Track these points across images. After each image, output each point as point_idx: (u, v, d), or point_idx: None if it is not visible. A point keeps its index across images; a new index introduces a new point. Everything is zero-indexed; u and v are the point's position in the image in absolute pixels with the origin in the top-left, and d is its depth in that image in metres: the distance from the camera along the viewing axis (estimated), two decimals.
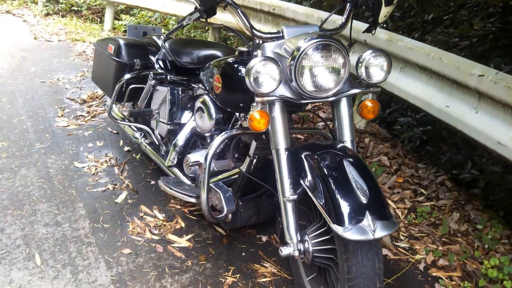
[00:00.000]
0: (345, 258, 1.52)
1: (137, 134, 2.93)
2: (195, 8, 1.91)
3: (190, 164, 2.26)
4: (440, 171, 3.08)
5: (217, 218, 2.06)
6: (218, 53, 2.53)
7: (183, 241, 2.39)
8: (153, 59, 2.81)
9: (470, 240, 2.42)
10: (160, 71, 2.71)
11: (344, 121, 1.87)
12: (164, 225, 2.52)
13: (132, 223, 2.52)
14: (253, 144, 2.05)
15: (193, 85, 2.55)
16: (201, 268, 2.20)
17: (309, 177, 1.71)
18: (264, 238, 2.44)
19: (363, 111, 1.85)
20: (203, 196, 1.99)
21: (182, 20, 2.00)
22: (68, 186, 2.86)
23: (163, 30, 3.62)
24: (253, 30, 1.81)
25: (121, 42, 2.76)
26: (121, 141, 3.51)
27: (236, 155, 2.29)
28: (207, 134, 2.30)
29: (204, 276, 2.15)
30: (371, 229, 1.45)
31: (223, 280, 2.13)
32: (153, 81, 2.67)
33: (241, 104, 1.99)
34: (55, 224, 2.48)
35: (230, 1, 1.82)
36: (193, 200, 2.11)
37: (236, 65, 1.98)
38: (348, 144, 1.86)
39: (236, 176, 2.20)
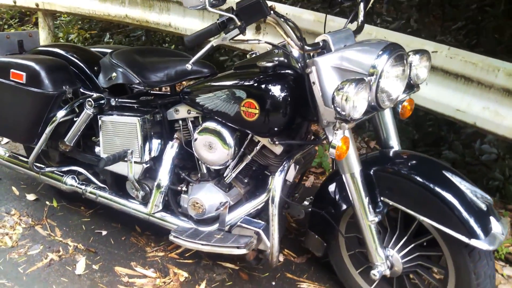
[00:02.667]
0: (472, 266, 1.54)
1: (69, 180, 2.24)
2: (227, 22, 1.52)
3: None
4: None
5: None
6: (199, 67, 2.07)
7: None
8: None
9: None
10: (96, 95, 2.09)
11: (390, 127, 1.83)
12: (164, 282, 2.06)
13: None
14: (292, 168, 1.82)
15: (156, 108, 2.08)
16: None
17: (398, 192, 1.65)
18: (280, 258, 2.25)
19: (404, 112, 1.84)
20: (276, 246, 1.70)
21: (205, 36, 1.56)
22: None
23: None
24: (305, 45, 1.56)
25: (36, 64, 1.98)
26: (14, 188, 2.63)
27: (246, 180, 2.00)
28: (219, 167, 1.92)
29: None
30: (500, 233, 1.51)
31: None
32: (92, 110, 2.05)
33: (276, 129, 1.72)
34: None
35: (276, 12, 1.51)
36: (244, 251, 1.76)
37: (274, 85, 1.68)
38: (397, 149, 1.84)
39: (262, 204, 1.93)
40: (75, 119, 2.13)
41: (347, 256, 1.97)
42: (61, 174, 2.27)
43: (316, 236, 1.96)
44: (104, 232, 2.34)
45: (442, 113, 2.54)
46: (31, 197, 2.57)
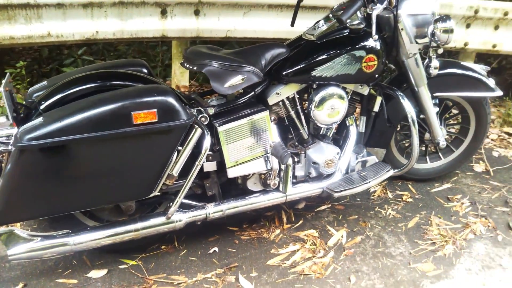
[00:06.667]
0: (487, 108, 2.59)
1: (181, 215, 1.99)
2: None
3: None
4: None
5: None
6: (277, 48, 2.06)
7: None
8: None
9: None
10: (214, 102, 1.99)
11: None
12: (312, 243, 2.24)
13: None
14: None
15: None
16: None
17: (442, 86, 2.47)
18: None
19: None
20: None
21: (356, 10, 1.87)
22: None
23: None
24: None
25: (162, 96, 1.65)
26: (63, 281, 1.97)
27: None
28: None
29: None
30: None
31: None
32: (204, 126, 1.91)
33: (381, 72, 2.20)
34: None
35: None
36: (392, 171, 2.29)
37: (375, 39, 2.10)
38: None
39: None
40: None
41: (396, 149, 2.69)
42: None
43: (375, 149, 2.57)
44: (216, 249, 2.21)
45: None
46: (96, 273, 2.01)
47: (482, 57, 4.19)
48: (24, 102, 1.96)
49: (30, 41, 2.83)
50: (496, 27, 3.67)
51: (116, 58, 4.28)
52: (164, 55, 4.11)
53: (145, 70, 2.11)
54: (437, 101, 2.48)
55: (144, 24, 3.05)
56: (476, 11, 3.52)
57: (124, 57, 4.25)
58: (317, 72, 2.07)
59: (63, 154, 1.57)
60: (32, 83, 3.74)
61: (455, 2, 3.47)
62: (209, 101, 2.13)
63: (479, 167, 3.10)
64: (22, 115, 1.82)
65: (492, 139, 3.54)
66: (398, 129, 2.66)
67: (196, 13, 3.13)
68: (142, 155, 1.70)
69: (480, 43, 3.71)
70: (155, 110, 1.64)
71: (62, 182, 1.62)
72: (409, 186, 2.81)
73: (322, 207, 2.55)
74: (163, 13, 3.07)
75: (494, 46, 3.73)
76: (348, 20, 2.05)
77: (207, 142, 1.83)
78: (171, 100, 1.68)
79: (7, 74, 1.85)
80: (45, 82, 2.04)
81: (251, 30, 3.27)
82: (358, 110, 2.43)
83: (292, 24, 2.39)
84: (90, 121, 1.57)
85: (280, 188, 2.16)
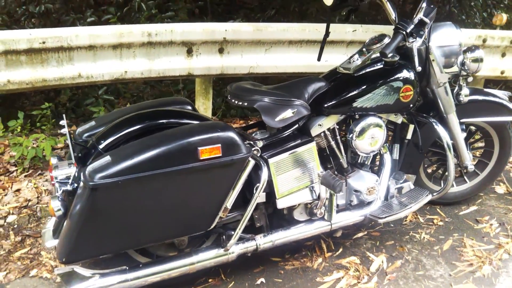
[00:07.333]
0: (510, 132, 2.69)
1: (236, 248, 2.02)
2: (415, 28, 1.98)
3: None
4: None
5: None
6: (316, 82, 2.16)
7: None
8: None
9: None
10: (258, 136, 2.07)
11: None
12: (355, 270, 2.29)
13: None
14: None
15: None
16: None
17: (469, 113, 2.58)
18: None
19: None
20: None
21: (398, 44, 1.95)
22: None
23: None
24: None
25: (225, 131, 1.74)
26: None
27: None
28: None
29: None
30: None
31: None
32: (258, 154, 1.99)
33: (417, 101, 2.31)
34: None
35: None
36: (430, 196, 2.34)
37: (410, 70, 2.21)
38: None
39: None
40: None
41: (424, 174, 2.77)
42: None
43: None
44: (263, 280, 2.22)
45: None
46: None
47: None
48: (72, 142, 2.01)
49: (61, 83, 2.90)
50: (503, 55, 3.87)
51: (135, 97, 4.37)
52: (181, 93, 4.21)
53: (189, 107, 2.19)
54: (464, 127, 2.59)
55: (171, 63, 3.16)
56: (484, 40, 3.72)
57: (142, 96, 4.33)
58: (358, 103, 2.16)
59: (132, 191, 1.62)
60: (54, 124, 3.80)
61: (464, 32, 3.65)
62: (253, 134, 2.20)
63: (500, 189, 3.19)
64: (80, 155, 1.88)
65: (508, 162, 3.65)
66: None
67: (221, 51, 3.25)
68: (205, 189, 1.75)
69: (489, 70, 3.90)
70: (219, 145, 1.71)
71: (129, 219, 1.65)
72: (438, 210, 2.87)
73: (359, 235, 2.60)
74: (189, 52, 3.18)
75: (502, 72, 3.92)
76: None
77: (265, 174, 1.89)
78: (233, 135, 1.75)
79: (63, 115, 1.91)
80: (93, 122, 2.10)
81: (273, 66, 3.39)
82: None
83: (319, 59, 2.51)
84: (159, 158, 1.63)
85: (325, 217, 2.21)
